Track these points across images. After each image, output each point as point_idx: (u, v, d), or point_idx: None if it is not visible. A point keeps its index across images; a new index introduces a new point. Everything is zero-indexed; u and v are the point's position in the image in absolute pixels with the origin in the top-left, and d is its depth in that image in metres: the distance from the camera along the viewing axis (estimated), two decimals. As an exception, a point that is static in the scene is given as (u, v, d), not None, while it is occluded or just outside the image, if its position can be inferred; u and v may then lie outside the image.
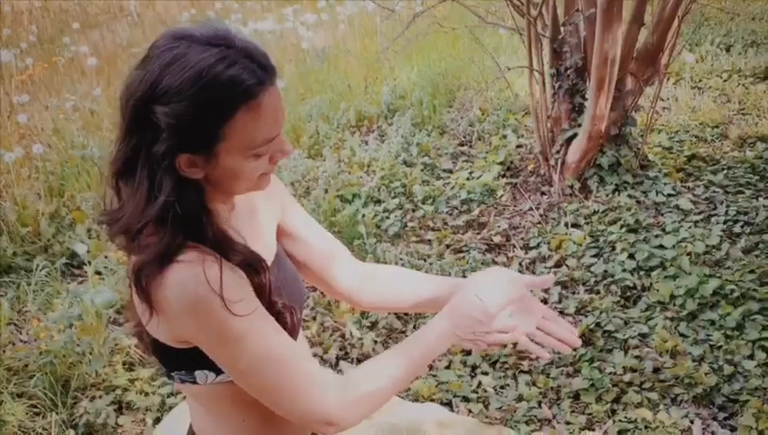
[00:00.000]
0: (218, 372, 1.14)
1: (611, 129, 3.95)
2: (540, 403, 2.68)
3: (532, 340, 1.29)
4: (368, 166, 4.55)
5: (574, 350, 2.81)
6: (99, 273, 3.56)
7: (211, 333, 1.07)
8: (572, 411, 2.64)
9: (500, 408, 2.66)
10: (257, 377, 1.09)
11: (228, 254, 1.10)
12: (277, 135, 1.08)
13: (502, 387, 2.77)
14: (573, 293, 3.24)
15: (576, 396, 2.70)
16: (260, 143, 1.06)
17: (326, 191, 4.16)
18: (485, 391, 2.74)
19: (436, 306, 1.34)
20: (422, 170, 4.42)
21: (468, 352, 2.93)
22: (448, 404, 2.70)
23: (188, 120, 1.01)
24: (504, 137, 4.74)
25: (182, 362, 1.14)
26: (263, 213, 1.29)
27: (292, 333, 1.17)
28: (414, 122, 5.05)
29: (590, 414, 2.61)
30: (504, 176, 4.28)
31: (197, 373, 1.15)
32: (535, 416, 2.62)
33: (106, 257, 3.61)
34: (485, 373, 2.83)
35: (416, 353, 1.21)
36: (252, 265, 1.12)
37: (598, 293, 3.20)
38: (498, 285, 1.26)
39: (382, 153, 4.58)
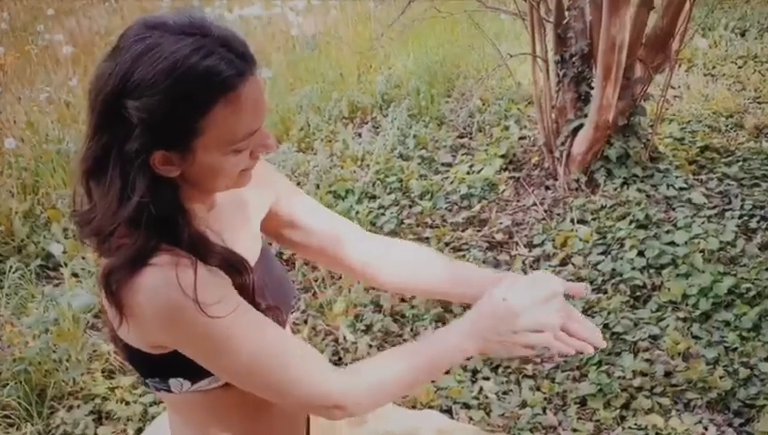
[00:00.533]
0: (194, 380, 1.14)
1: (619, 119, 3.96)
2: (545, 410, 2.69)
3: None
4: (361, 160, 4.55)
5: (579, 353, 2.84)
6: (76, 275, 3.55)
7: (193, 340, 1.08)
8: (579, 418, 2.65)
9: (502, 415, 2.67)
10: (255, 374, 1.11)
11: (206, 256, 1.10)
12: (258, 129, 1.09)
13: (504, 393, 2.78)
14: (580, 293, 3.25)
15: (583, 402, 2.71)
16: (240, 138, 1.07)
17: (317, 187, 4.17)
18: (487, 397, 2.75)
19: (459, 297, 1.34)
20: (419, 164, 4.42)
21: (469, 357, 2.94)
22: (448, 411, 2.71)
23: (162, 116, 1.01)
24: (506, 128, 4.74)
25: (156, 368, 1.15)
26: (251, 206, 1.30)
27: None
28: (410, 113, 5.05)
29: (597, 421, 2.62)
30: (506, 169, 4.29)
31: (172, 381, 1.15)
32: (540, 423, 2.63)
33: (83, 259, 3.61)
34: (487, 378, 2.84)
35: (432, 351, 1.21)
36: (233, 265, 1.13)
37: (605, 292, 3.21)
38: (529, 283, 1.25)
39: (377, 146, 4.58)
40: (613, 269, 3.31)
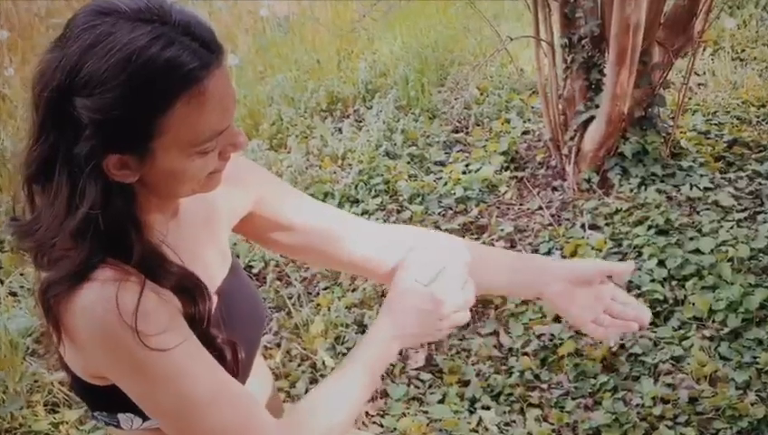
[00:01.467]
0: (145, 416, 1.14)
1: (636, 110, 3.98)
2: (553, 443, 2.70)
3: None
4: (342, 158, 4.56)
5: (594, 377, 2.85)
6: (13, 293, 3.53)
7: (123, 369, 1.09)
8: (592, 452, 2.66)
9: (505, 449, 2.67)
10: (180, 422, 1.11)
11: (158, 276, 1.11)
12: (227, 127, 1.09)
13: (507, 424, 2.79)
14: (592, 309, 3.26)
15: (596, 433, 2.72)
16: (206, 138, 1.07)
17: (291, 190, 4.16)
18: (487, 429, 2.76)
19: (482, 287, 1.39)
20: (408, 163, 4.43)
21: (466, 383, 2.95)
22: (442, 446, 2.72)
23: (117, 115, 1.02)
24: (507, 121, 4.76)
25: (103, 401, 1.15)
26: (222, 211, 1.31)
27: (233, 374, 1.19)
28: (398, 105, 5.06)
29: (613, 455, 2.63)
30: (507, 169, 4.30)
31: (120, 416, 1.16)
32: (548, 458, 2.64)
33: (22, 275, 3.59)
34: (487, 408, 2.85)
35: (366, 371, 1.25)
36: (188, 290, 1.14)
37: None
38: (439, 257, 1.31)
39: (360, 143, 4.59)
40: (630, 281, 3.31)
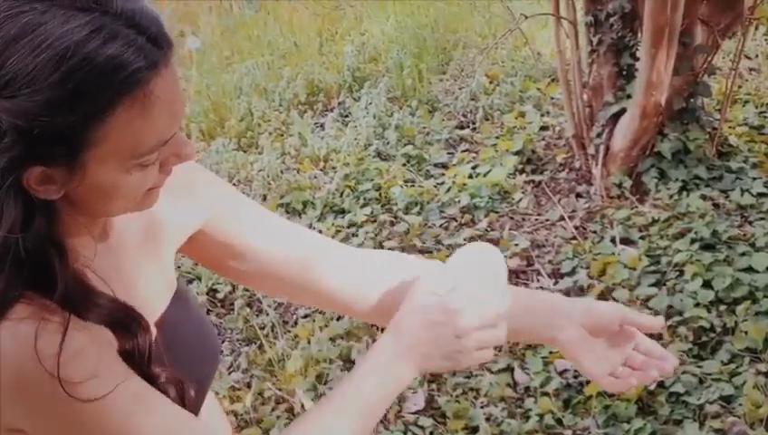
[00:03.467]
0: None
1: (675, 101, 3.98)
2: (579, 501, 2.69)
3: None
4: (325, 160, 4.55)
5: (628, 421, 2.84)
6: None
7: (48, 426, 1.07)
8: None
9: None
10: None
11: (84, 311, 1.09)
12: (172, 135, 1.08)
13: (524, 479, 2.78)
14: (625, 339, 3.25)
15: (631, 489, 2.71)
16: (148, 149, 1.06)
17: (264, 198, 4.15)
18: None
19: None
20: (404, 165, 4.43)
21: (474, 430, 2.93)
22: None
23: (44, 121, 0.99)
24: (522, 115, 4.76)
25: None
26: (165, 230, 1.29)
27: None
28: (391, 96, 5.06)
29: None
30: (522, 171, 4.30)
31: None
32: None
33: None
34: (500, 459, 2.84)
35: (364, 398, 1.22)
36: (122, 324, 1.12)
37: (660, 337, 3.21)
38: (462, 265, 1.27)
39: (346, 141, 4.58)
40: (670, 306, 3.31)
